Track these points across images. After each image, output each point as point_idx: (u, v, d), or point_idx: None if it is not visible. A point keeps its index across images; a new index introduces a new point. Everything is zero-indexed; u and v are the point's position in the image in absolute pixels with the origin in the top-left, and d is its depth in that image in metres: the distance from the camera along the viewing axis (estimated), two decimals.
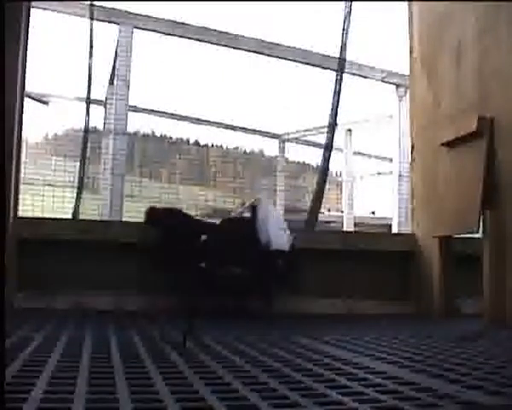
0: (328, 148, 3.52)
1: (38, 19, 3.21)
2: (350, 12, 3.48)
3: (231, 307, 2.12)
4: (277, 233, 2.09)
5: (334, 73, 3.55)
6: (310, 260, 2.58)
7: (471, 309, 2.37)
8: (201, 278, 2.08)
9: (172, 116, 5.46)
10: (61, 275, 2.24)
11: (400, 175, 4.41)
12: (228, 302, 2.14)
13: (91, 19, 3.51)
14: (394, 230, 4.47)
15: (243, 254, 2.06)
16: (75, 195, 3.62)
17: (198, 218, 2.41)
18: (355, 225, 5.53)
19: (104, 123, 4.31)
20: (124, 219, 3.57)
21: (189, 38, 4.04)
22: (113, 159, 3.78)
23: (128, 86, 3.79)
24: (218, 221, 2.39)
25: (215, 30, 4.05)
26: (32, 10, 2.42)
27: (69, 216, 3.46)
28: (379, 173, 6.28)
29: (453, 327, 2.12)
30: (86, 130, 3.64)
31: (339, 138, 4.93)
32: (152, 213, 2.29)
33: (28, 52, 2.36)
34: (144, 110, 5.24)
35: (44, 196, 4.11)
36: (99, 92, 4.20)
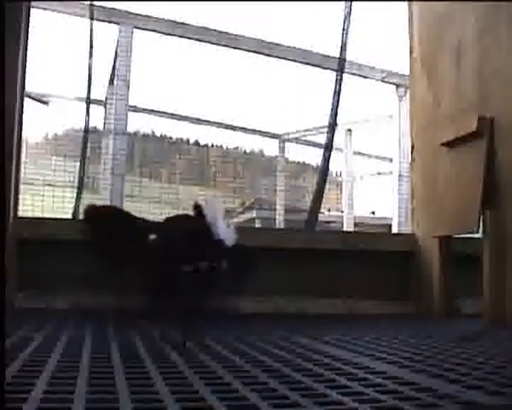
0: (328, 148, 3.52)
1: (38, 19, 3.21)
2: (350, 12, 3.48)
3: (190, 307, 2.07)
4: (225, 229, 2.03)
5: (334, 73, 3.55)
6: (310, 260, 2.59)
7: (471, 309, 2.37)
8: (163, 277, 2.06)
9: (172, 116, 5.46)
10: (61, 275, 2.23)
11: (400, 175, 4.41)
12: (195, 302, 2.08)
13: (91, 19, 3.51)
14: (394, 230, 4.47)
15: (204, 249, 2.01)
16: (75, 195, 3.62)
17: (140, 217, 2.32)
18: (355, 225, 5.53)
19: (104, 123, 4.31)
20: None
21: (189, 38, 4.04)
22: (113, 159, 3.78)
23: (128, 86, 3.79)
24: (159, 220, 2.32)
25: (215, 30, 4.05)
26: (32, 10, 2.42)
27: (69, 216, 3.46)
28: (379, 173, 6.28)
29: (453, 327, 2.12)
30: (86, 130, 3.64)
31: (339, 138, 4.93)
32: (91, 211, 2.22)
33: (28, 52, 2.35)
34: (144, 110, 5.24)
35: (44, 196, 4.11)
36: (99, 92, 4.21)
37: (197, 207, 2.07)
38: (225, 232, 2.01)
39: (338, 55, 3.55)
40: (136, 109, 4.82)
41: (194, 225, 2.10)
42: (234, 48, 4.12)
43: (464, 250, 2.45)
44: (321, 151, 3.63)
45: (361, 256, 2.64)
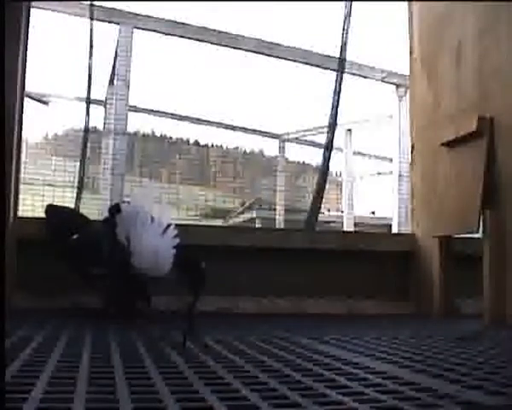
0: (328, 148, 3.52)
1: (38, 19, 3.21)
2: (350, 12, 3.48)
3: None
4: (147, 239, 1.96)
5: (334, 73, 3.55)
6: (310, 260, 2.59)
7: (471, 309, 2.37)
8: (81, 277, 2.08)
9: (172, 116, 5.47)
10: (61, 275, 2.23)
11: (400, 175, 4.42)
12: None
13: (91, 19, 3.51)
14: (394, 230, 4.48)
15: (99, 254, 2.01)
16: (75, 195, 3.62)
17: (89, 219, 2.35)
18: (355, 225, 5.54)
19: (104, 123, 4.32)
20: None
21: (189, 38, 4.05)
22: (113, 159, 3.79)
23: (128, 86, 3.80)
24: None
25: (215, 30, 4.06)
26: (32, 10, 2.42)
27: None
28: (379, 173, 6.29)
29: (453, 327, 2.12)
30: (86, 130, 3.64)
31: (339, 138, 4.94)
32: (49, 210, 2.27)
33: (28, 52, 2.35)
34: (144, 110, 5.25)
35: (44, 196, 4.12)
36: (99, 92, 4.22)
37: (112, 211, 2.05)
38: (144, 239, 1.93)
39: (338, 55, 3.55)
40: (136, 109, 4.82)
41: (102, 230, 2.09)
42: (234, 48, 4.12)
43: (464, 250, 2.45)
44: (321, 151, 3.63)
45: (361, 256, 2.64)
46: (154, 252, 1.90)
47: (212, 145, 6.03)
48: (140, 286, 1.97)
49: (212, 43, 4.08)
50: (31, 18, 2.39)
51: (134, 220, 1.96)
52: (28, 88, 2.58)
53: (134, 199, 2.20)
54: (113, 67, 3.96)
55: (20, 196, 2.45)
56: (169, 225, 1.95)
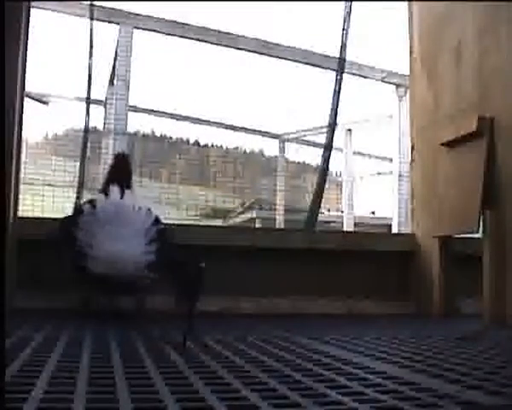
0: (328, 148, 3.51)
1: (38, 19, 3.21)
2: (350, 12, 3.47)
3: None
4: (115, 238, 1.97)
5: (334, 73, 3.55)
6: (310, 260, 2.59)
7: (471, 309, 2.37)
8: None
9: (172, 116, 5.46)
10: (61, 275, 2.23)
11: (400, 175, 4.41)
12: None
13: (91, 19, 3.51)
14: (394, 230, 4.47)
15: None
16: (75, 195, 3.62)
17: None
18: (355, 225, 5.53)
19: (104, 123, 4.31)
20: None
21: (190, 38, 4.04)
22: None
23: (128, 86, 3.79)
24: None
25: (215, 30, 4.05)
26: (32, 10, 2.41)
27: None
28: (379, 173, 6.28)
29: (453, 327, 2.12)
30: (86, 130, 3.64)
31: (339, 138, 4.93)
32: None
33: (28, 52, 2.35)
34: (144, 110, 5.24)
35: (44, 196, 4.11)
36: (99, 92, 4.21)
37: (75, 212, 2.07)
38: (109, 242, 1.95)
39: (338, 55, 3.54)
40: (136, 109, 4.82)
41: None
42: (234, 48, 4.12)
43: (464, 250, 2.45)
44: (321, 151, 3.62)
45: (361, 256, 2.64)
46: (113, 255, 1.92)
47: (212, 145, 6.03)
48: (104, 287, 2.00)
49: (212, 43, 4.07)
50: (31, 18, 2.38)
51: (102, 222, 1.98)
52: (28, 88, 2.58)
53: (113, 196, 2.19)
54: (113, 67, 3.96)
55: (20, 196, 2.45)
56: (153, 225, 1.98)
